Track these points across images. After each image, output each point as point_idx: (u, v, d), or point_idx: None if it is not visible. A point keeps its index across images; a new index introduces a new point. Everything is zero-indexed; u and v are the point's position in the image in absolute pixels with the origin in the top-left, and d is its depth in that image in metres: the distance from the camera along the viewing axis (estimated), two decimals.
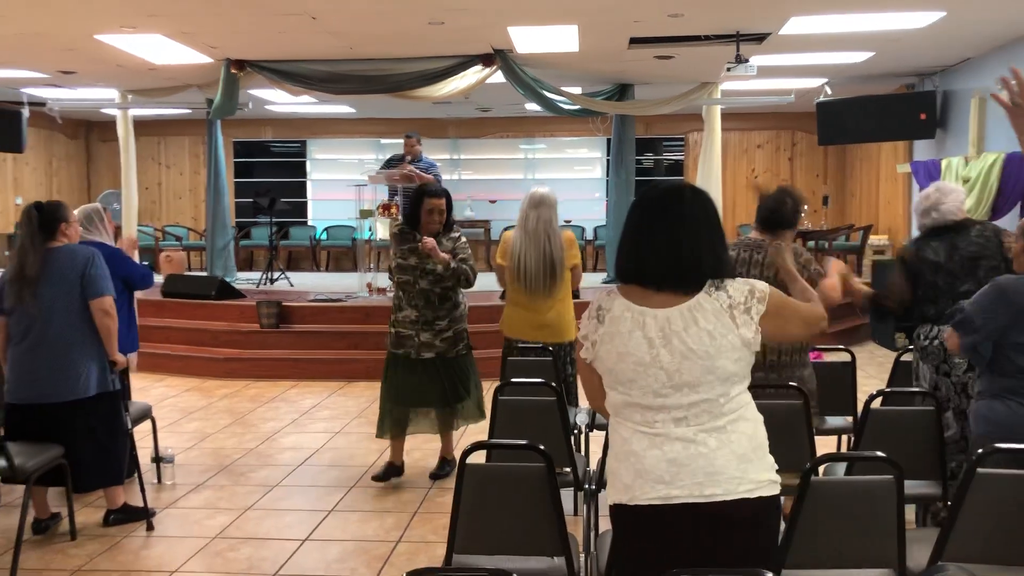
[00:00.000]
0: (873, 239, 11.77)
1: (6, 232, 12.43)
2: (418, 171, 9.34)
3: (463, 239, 5.16)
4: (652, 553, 2.15)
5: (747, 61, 7.94)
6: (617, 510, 2.21)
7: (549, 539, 2.72)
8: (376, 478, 5.25)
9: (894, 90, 10.81)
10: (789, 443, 3.23)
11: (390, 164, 9.90)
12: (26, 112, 10.41)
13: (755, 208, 4.23)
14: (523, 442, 2.74)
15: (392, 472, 5.27)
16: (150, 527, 4.52)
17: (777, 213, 4.11)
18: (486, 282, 6.86)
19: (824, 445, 4.87)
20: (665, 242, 2.18)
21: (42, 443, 4.19)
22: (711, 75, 9.80)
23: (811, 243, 12.07)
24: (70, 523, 4.39)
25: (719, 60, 8.37)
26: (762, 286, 2.20)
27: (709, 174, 10.70)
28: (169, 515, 4.74)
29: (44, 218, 4.28)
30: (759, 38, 7.99)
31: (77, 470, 4.28)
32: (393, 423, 5.20)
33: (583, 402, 5.38)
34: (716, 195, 10.68)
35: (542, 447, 2.68)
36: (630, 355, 2.15)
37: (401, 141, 10.17)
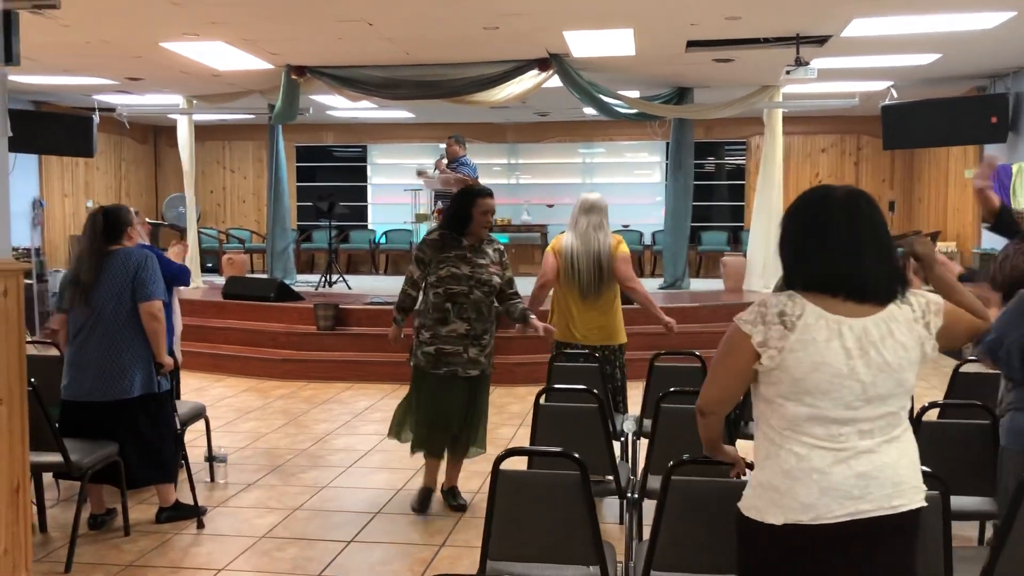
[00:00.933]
0: (940, 245, 11.44)
1: (76, 234, 12.82)
2: (451, 173, 9.49)
3: (505, 254, 4.90)
4: (821, 571, 2.09)
5: (807, 64, 7.80)
6: (790, 530, 2.08)
7: (583, 548, 2.69)
8: (416, 509, 4.83)
9: (964, 92, 10.50)
10: None
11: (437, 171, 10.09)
12: (96, 118, 10.72)
13: None
14: (557, 449, 2.72)
15: (429, 498, 4.90)
16: (200, 525, 4.60)
17: None
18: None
19: None
20: (871, 248, 2.10)
21: (97, 440, 4.30)
22: (772, 78, 9.64)
23: None
24: (124, 519, 4.49)
25: (780, 63, 8.23)
26: (936, 298, 2.17)
27: (771, 179, 10.54)
28: (220, 513, 4.83)
29: (110, 223, 4.40)
30: (820, 40, 7.84)
31: (125, 467, 4.38)
32: (430, 445, 4.82)
33: (632, 408, 5.36)
34: (778, 201, 10.50)
35: (576, 455, 2.65)
36: (827, 366, 2.05)
37: (462, 145, 10.30)
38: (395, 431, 5.01)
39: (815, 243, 2.13)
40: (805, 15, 7.09)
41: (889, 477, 2.06)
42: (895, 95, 10.06)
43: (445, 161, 10.10)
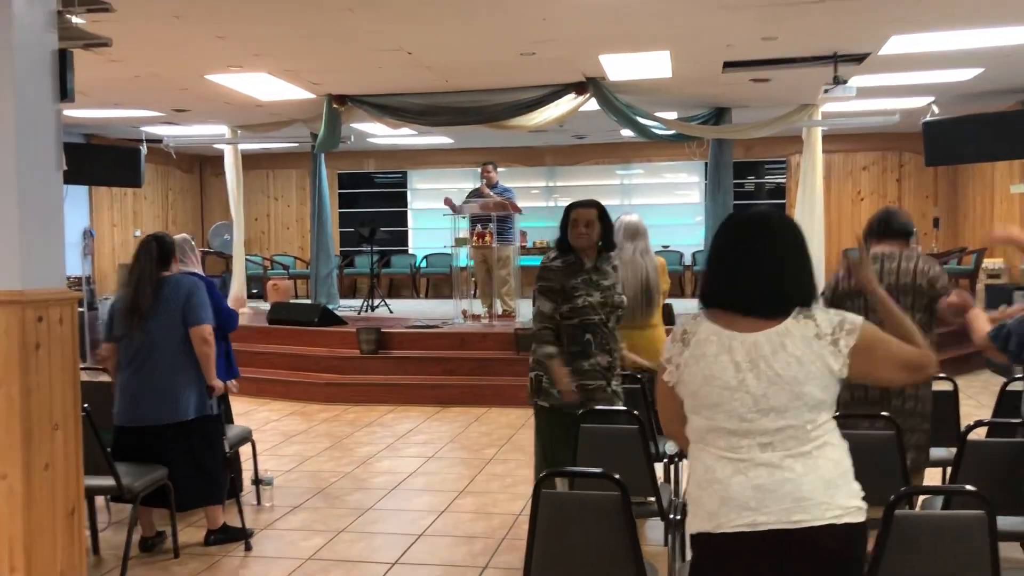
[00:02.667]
0: (987, 262, 11.26)
1: (125, 263, 13.11)
2: (496, 196, 9.63)
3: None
4: None
5: (846, 82, 7.77)
6: (700, 539, 2.18)
7: (626, 569, 2.69)
8: None
9: (1008, 107, 10.35)
10: (880, 476, 3.12)
11: (474, 196, 10.19)
12: (144, 149, 10.99)
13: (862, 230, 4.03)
14: (598, 470, 2.73)
15: None
16: (248, 547, 4.67)
17: (887, 222, 3.97)
18: None
19: (931, 478, 4.70)
20: (756, 266, 2.19)
21: (148, 464, 4.41)
22: (810, 97, 9.61)
23: None
24: (173, 542, 4.58)
25: (818, 81, 8.22)
26: (853, 319, 2.18)
27: (812, 197, 10.46)
28: (266, 536, 4.89)
29: (161, 250, 4.53)
30: (858, 58, 7.81)
31: (176, 490, 4.47)
32: None
33: None
34: (818, 218, 10.42)
35: (617, 476, 2.67)
36: (716, 378, 2.15)
37: (496, 171, 10.42)
38: None
39: (715, 261, 2.28)
40: (842, 34, 7.08)
41: (789, 492, 2.07)
42: (936, 111, 9.97)
43: (487, 188, 10.20)
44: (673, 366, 2.25)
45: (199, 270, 5.18)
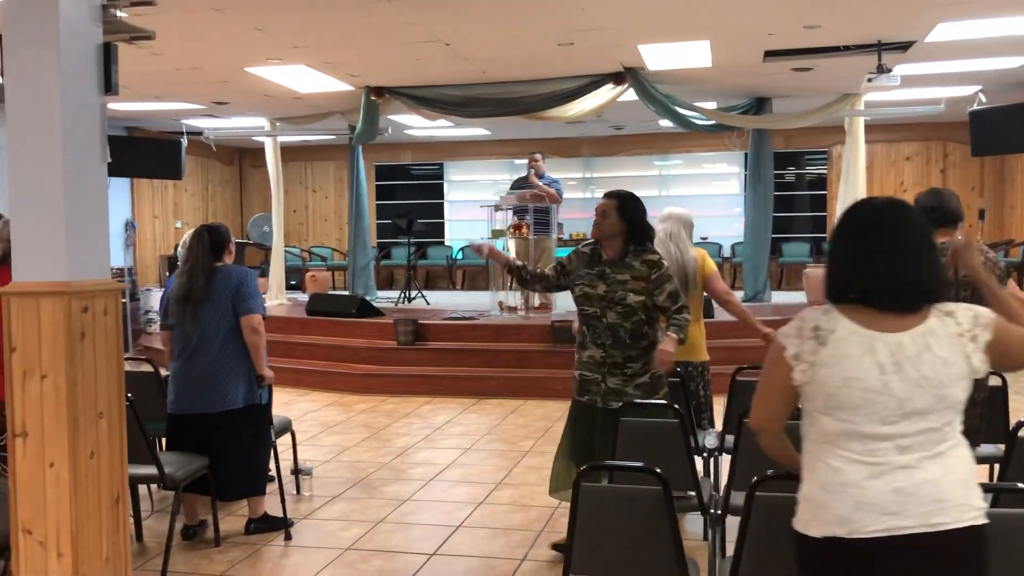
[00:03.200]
0: None
1: (166, 254, 13.29)
2: (544, 186, 9.57)
3: (665, 266, 4.14)
4: None
5: (890, 71, 7.63)
6: (828, 543, 2.08)
7: (666, 563, 2.67)
8: (557, 547, 4.42)
9: None
10: None
11: (518, 186, 10.11)
12: (185, 141, 11.11)
13: None
14: (639, 464, 2.71)
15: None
16: (288, 537, 4.71)
17: (939, 210, 3.77)
18: None
19: (979, 475, 4.60)
20: (894, 259, 2.10)
21: (193, 453, 4.47)
22: (853, 86, 9.47)
23: None
24: (215, 530, 4.63)
25: (861, 70, 8.09)
26: (986, 312, 2.13)
27: (854, 188, 10.31)
28: (306, 526, 4.93)
29: (215, 240, 4.58)
30: (903, 46, 7.67)
31: (222, 479, 4.53)
32: (566, 483, 4.15)
33: (717, 424, 5.29)
34: None
35: (658, 470, 2.64)
36: (859, 381, 2.05)
37: (544, 161, 10.37)
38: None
39: (846, 254, 2.16)
40: (887, 21, 6.95)
41: (929, 494, 2.01)
42: (983, 100, 9.75)
43: (536, 177, 10.15)
44: (806, 364, 2.11)
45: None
